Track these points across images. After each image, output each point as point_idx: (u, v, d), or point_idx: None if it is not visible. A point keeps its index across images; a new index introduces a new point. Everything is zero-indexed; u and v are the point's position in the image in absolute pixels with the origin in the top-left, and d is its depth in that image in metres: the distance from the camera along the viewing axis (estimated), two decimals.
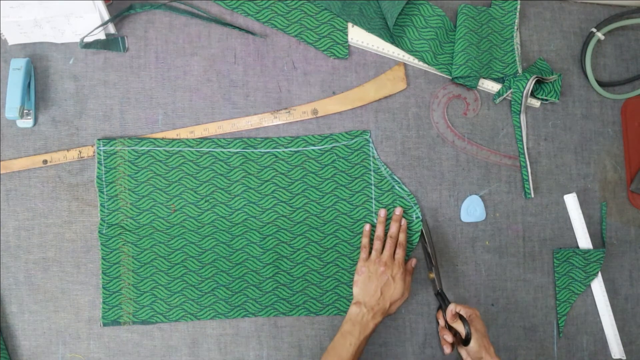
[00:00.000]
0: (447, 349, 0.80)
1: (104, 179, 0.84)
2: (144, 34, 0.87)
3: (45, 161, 0.84)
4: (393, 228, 0.85)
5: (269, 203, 0.86)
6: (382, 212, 0.86)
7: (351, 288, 0.85)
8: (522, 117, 0.91)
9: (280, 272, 0.86)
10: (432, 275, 0.85)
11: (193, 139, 0.86)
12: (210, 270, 0.85)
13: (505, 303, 0.89)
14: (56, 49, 0.86)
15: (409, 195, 0.88)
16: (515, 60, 0.90)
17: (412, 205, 0.87)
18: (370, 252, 0.84)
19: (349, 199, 0.87)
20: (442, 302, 0.83)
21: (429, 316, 0.88)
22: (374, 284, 0.80)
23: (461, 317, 0.78)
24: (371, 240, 0.86)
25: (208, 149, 0.86)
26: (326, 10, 0.89)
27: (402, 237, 0.84)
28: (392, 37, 0.89)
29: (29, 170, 0.85)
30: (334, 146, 0.88)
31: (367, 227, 0.86)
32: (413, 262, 0.86)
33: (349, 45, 0.89)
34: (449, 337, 0.80)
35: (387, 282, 0.80)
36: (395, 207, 0.87)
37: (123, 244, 0.84)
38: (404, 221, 0.86)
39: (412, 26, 0.90)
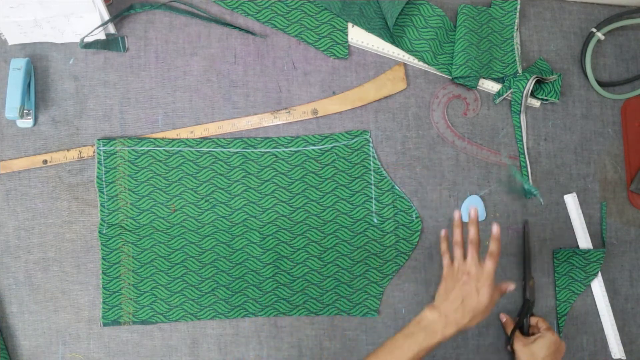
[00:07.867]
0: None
1: (104, 179, 0.84)
2: (144, 34, 0.87)
3: (45, 161, 0.84)
4: (472, 232, 0.75)
5: (269, 203, 0.86)
6: (457, 214, 0.77)
7: (351, 288, 0.85)
8: (522, 117, 0.91)
9: (280, 272, 0.86)
10: (532, 283, 0.87)
11: (193, 139, 0.86)
12: (210, 270, 0.85)
13: (505, 303, 0.89)
14: (56, 49, 0.86)
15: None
16: (515, 60, 0.90)
17: (412, 205, 0.87)
18: (452, 260, 0.77)
19: (349, 199, 0.87)
20: (526, 308, 0.86)
21: None
22: (456, 291, 0.71)
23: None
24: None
25: (208, 149, 0.86)
26: (326, 10, 0.89)
27: (493, 246, 0.73)
28: (392, 37, 0.89)
29: (29, 170, 0.85)
30: (334, 146, 0.88)
31: (444, 232, 0.79)
32: (511, 287, 0.76)
33: (349, 45, 0.89)
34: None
35: (469, 292, 0.71)
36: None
37: (123, 244, 0.84)
38: (496, 228, 0.74)
39: (412, 26, 0.90)
